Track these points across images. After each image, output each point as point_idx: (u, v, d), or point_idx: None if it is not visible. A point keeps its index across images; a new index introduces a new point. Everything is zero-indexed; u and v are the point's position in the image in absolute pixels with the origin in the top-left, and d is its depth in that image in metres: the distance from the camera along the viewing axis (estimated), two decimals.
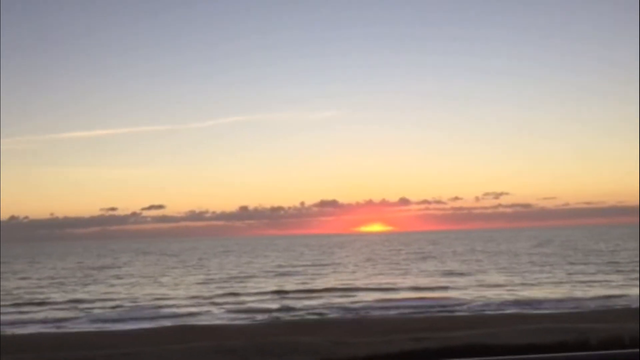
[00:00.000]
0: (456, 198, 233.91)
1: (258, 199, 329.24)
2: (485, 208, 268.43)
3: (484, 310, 23.18)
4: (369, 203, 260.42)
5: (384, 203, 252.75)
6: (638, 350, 1.40)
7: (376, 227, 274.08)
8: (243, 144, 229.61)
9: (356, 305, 25.25)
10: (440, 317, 21.04)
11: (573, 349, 8.56)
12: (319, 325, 18.95)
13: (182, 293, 32.00)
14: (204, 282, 37.68)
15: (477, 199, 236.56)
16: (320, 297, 28.24)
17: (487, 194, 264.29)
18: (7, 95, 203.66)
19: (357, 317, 21.81)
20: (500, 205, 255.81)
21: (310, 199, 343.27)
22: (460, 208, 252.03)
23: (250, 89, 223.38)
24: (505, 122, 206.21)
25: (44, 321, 23.36)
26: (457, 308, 24.09)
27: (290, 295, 29.63)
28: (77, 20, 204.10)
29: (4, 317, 23.56)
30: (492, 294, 27.81)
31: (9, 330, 20.84)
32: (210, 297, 29.41)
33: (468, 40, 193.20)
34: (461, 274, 38.30)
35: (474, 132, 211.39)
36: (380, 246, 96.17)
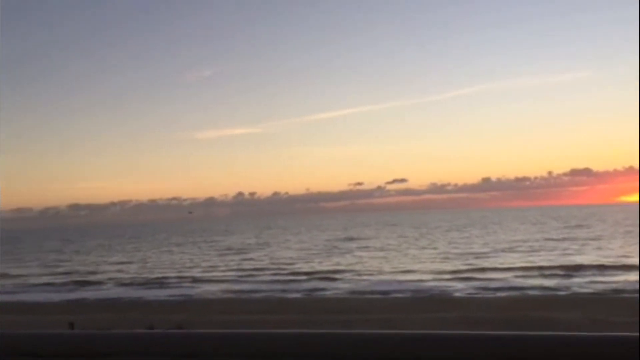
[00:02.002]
0: None
1: (501, 170, 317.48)
2: None
3: None
4: (630, 170, 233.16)
5: None
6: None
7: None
8: (485, 113, 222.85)
9: (619, 285, 22.96)
10: None
11: None
12: (575, 303, 17.91)
13: (427, 266, 32.62)
14: (449, 256, 37.78)
15: None
16: (575, 275, 26.43)
17: None
18: (265, 88, 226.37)
19: (620, 296, 20.03)
20: None
21: (559, 168, 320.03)
22: None
23: (488, 56, 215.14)
24: None
25: (302, 290, 25.77)
26: None
27: (546, 271, 28.13)
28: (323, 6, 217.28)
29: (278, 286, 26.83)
30: None
31: (278, 295, 23.66)
32: (456, 272, 29.43)
33: None
34: None
35: None
36: None
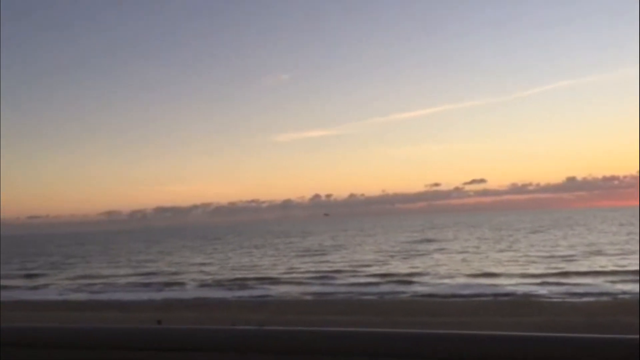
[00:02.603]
0: None
1: (587, 169, 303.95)
2: None
3: None
4: None
5: None
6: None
7: None
8: (569, 110, 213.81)
9: None
10: None
11: None
12: None
13: (509, 269, 31.70)
14: (532, 258, 36.55)
15: None
16: None
17: None
18: (341, 90, 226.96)
19: None
20: None
21: None
22: None
23: (571, 52, 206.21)
24: None
25: (379, 292, 25.73)
26: None
27: (636, 276, 26.71)
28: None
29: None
30: None
31: (355, 297, 23.75)
32: (540, 275, 28.41)
33: None
34: None
35: None
36: None
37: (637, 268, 28.27)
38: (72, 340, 1.79)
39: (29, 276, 38.88)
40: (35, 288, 32.27)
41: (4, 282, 34.73)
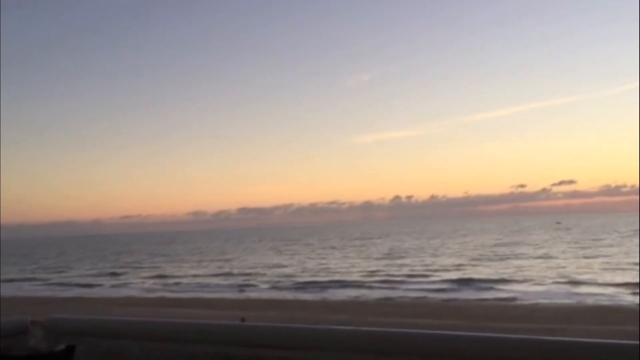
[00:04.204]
0: None
1: None
2: None
3: None
4: None
5: None
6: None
7: None
8: None
9: None
10: None
11: None
12: None
13: (599, 275, 30.26)
14: (624, 265, 34.57)
15: None
16: None
17: None
18: (422, 90, 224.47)
19: None
20: None
21: None
22: None
23: None
24: None
25: (463, 296, 25.20)
26: None
27: None
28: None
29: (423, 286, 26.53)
30: None
31: (435, 300, 23.39)
32: (632, 282, 26.82)
33: None
34: None
35: None
36: None
37: None
38: (155, 333, 1.93)
39: (116, 274, 40.94)
40: (122, 285, 33.99)
41: (96, 279, 36.76)
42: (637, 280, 26.86)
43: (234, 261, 49.70)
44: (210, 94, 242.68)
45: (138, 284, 34.19)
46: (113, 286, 33.24)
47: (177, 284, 32.93)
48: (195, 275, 37.12)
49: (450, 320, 15.43)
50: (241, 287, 29.93)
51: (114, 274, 40.37)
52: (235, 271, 39.06)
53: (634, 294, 23.21)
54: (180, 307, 20.18)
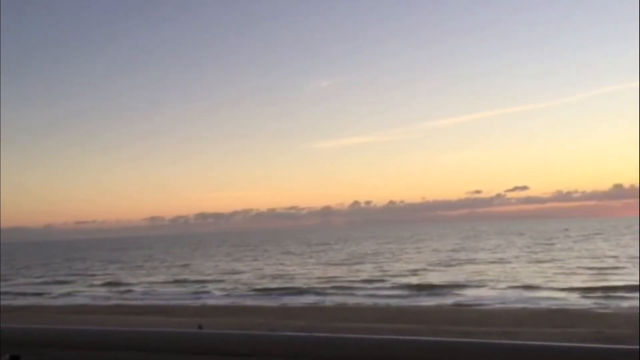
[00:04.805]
0: None
1: (635, 175, 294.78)
2: None
3: None
4: None
5: None
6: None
7: None
8: (615, 115, 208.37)
9: None
10: None
11: None
12: None
13: (551, 278, 31.03)
14: (574, 269, 35.52)
15: None
16: None
17: None
18: (381, 96, 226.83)
19: None
20: None
21: None
22: None
23: (617, 56, 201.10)
24: None
25: (419, 300, 25.47)
26: None
27: None
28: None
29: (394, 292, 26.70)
30: None
31: (394, 305, 23.55)
32: (585, 285, 27.60)
33: None
34: None
35: None
36: None
37: None
38: (107, 342, 1.83)
39: (68, 282, 39.85)
40: (74, 293, 33.11)
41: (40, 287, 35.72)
42: (588, 284, 27.65)
43: (191, 267, 49.01)
44: (169, 101, 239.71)
45: (90, 291, 33.33)
46: (64, 294, 32.30)
47: (130, 291, 32.23)
48: (151, 282, 36.43)
49: (408, 324, 15.52)
50: (198, 294, 29.52)
51: (64, 282, 39.25)
52: (192, 277, 38.51)
53: (585, 297, 23.86)
54: (136, 315, 19.74)
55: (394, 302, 24.18)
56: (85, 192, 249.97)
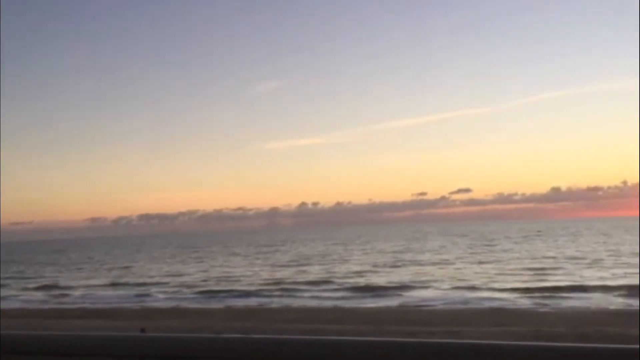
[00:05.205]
0: None
1: (572, 179, 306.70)
2: None
3: None
4: None
5: None
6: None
7: None
8: (554, 121, 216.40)
9: None
10: None
11: None
12: None
13: (492, 278, 31.84)
14: (514, 269, 36.65)
15: None
16: None
17: None
18: (329, 98, 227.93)
19: None
20: None
21: (635, 177, 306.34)
22: None
23: (555, 63, 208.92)
24: None
25: (365, 301, 25.69)
26: None
27: (611, 285, 26.93)
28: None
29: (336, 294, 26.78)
30: None
31: (341, 306, 23.62)
32: (525, 285, 28.47)
33: None
34: None
35: None
36: None
37: (610, 280, 28.53)
38: (55, 347, 1.73)
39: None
40: (6, 297, 31.80)
41: None
42: (528, 285, 28.51)
43: (133, 269, 47.90)
44: (111, 100, 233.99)
45: (25, 295, 32.07)
46: None
47: (68, 294, 31.21)
48: (90, 285, 35.40)
49: (354, 325, 15.57)
50: (141, 297, 28.85)
51: None
52: (134, 280, 37.63)
53: (524, 297, 24.57)
54: (75, 319, 19.09)
55: (340, 303, 24.27)
56: (22, 193, 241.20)
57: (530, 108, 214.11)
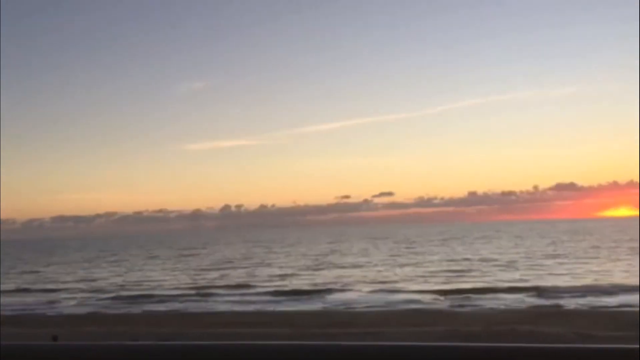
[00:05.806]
0: None
1: (488, 184, 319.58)
2: None
3: None
4: (614, 185, 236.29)
5: (632, 184, 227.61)
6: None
7: (623, 212, 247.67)
8: (471, 127, 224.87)
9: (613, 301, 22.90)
10: None
11: None
12: (566, 316, 17.96)
13: (412, 280, 32.63)
14: (433, 271, 37.67)
15: None
16: (564, 292, 26.49)
17: None
18: (253, 101, 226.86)
19: (607, 311, 20.09)
20: None
21: (545, 182, 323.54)
22: None
23: (473, 71, 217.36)
24: None
25: (289, 304, 25.68)
26: None
27: (526, 287, 28.22)
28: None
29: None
30: None
31: (264, 309, 23.50)
32: (443, 287, 29.33)
33: None
34: None
35: None
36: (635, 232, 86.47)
37: (520, 281, 29.95)
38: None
39: None
40: None
41: None
42: (445, 286, 29.43)
43: (44, 274, 45.68)
44: (24, 96, 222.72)
45: None
46: None
47: None
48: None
49: (275, 328, 15.53)
50: (53, 303, 27.55)
51: None
52: (45, 286, 35.89)
53: (442, 298, 25.34)
54: None
55: (261, 307, 24.14)
56: None
57: (450, 115, 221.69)
